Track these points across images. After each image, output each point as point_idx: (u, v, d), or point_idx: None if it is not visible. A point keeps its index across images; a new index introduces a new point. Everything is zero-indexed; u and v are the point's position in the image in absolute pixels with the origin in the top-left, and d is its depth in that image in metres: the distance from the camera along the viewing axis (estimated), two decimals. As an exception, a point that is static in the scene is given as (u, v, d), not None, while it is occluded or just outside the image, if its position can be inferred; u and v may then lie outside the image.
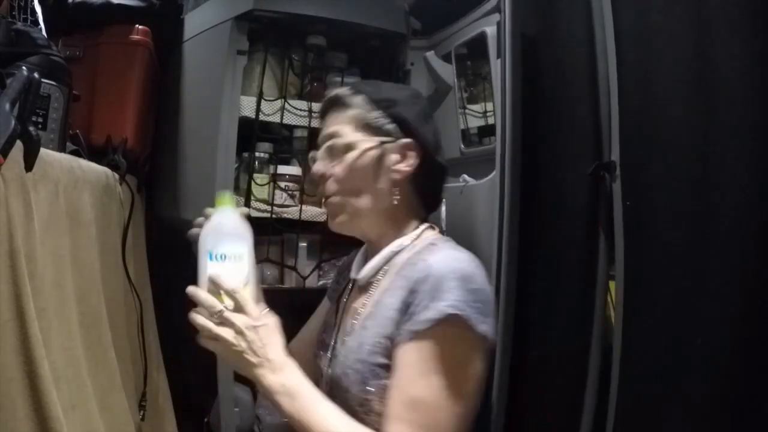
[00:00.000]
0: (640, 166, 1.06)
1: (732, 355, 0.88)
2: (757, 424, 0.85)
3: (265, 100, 1.53)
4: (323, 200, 1.00)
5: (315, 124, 1.59)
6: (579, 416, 1.13)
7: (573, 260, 1.20)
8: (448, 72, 1.54)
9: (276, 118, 1.54)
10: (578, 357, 1.16)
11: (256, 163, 1.55)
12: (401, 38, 1.65)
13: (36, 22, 1.22)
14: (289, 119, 1.56)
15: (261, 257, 1.60)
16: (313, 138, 1.64)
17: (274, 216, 1.53)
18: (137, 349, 1.27)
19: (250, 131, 1.52)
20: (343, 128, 0.95)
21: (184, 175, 1.55)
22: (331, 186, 0.96)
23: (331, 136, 0.96)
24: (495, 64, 1.30)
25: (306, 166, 1.62)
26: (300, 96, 1.62)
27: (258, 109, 1.51)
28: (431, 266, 0.82)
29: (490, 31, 1.32)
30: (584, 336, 1.15)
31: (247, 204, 1.51)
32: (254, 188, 1.52)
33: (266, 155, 1.57)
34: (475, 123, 1.47)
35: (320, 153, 0.98)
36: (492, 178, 1.29)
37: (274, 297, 1.60)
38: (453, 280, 0.79)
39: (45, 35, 1.04)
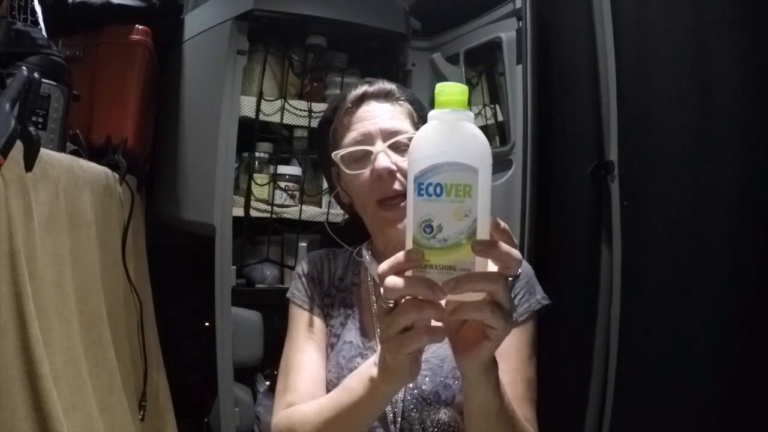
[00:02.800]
0: (638, 166, 1.06)
1: (729, 353, 0.89)
2: (753, 422, 0.85)
3: (265, 100, 1.53)
4: (382, 203, 0.84)
5: (315, 124, 1.59)
6: (583, 412, 1.14)
7: (577, 259, 1.20)
8: (453, 74, 1.55)
9: (276, 118, 1.55)
10: (582, 354, 1.16)
11: (256, 163, 1.55)
12: (402, 38, 1.65)
13: (36, 22, 1.22)
14: (289, 119, 1.56)
15: (261, 257, 1.61)
16: (313, 138, 1.66)
17: (274, 216, 1.53)
18: (137, 349, 1.27)
19: (250, 131, 1.52)
20: (405, 123, 0.87)
21: (184, 175, 1.55)
22: (403, 182, 0.82)
23: (397, 131, 0.85)
24: (514, 70, 1.32)
25: (306, 166, 1.63)
26: (300, 96, 1.62)
27: (258, 109, 1.52)
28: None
29: (506, 36, 1.34)
30: (588, 334, 1.16)
31: (247, 204, 1.51)
32: (254, 188, 1.52)
33: (266, 155, 1.57)
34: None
35: (382, 146, 0.83)
36: (508, 178, 1.32)
37: (274, 297, 1.61)
38: (534, 276, 0.90)
39: (45, 35, 1.04)
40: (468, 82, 1.52)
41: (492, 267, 0.53)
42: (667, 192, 0.99)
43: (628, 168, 1.08)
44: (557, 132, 1.30)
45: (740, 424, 0.87)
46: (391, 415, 0.81)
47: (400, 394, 0.82)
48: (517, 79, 1.31)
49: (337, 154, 0.87)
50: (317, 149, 1.01)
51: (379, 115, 0.87)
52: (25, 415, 0.63)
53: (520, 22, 1.31)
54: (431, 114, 0.55)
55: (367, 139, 0.85)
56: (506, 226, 0.53)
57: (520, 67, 1.30)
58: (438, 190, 0.51)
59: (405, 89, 0.93)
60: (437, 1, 1.64)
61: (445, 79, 1.55)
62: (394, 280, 0.53)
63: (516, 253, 0.52)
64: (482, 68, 1.52)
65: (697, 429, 0.92)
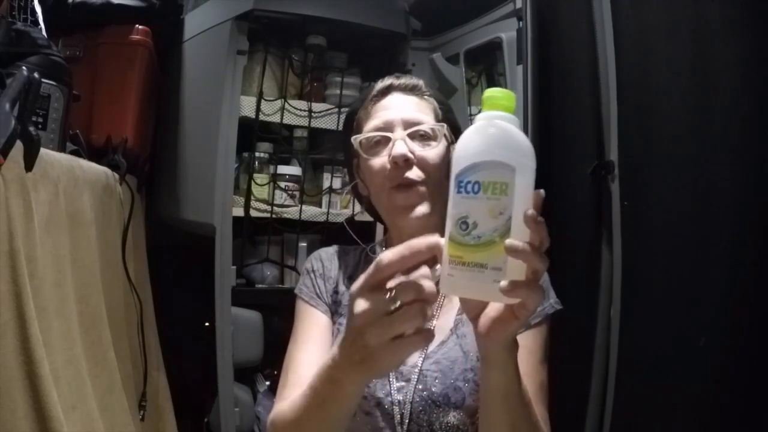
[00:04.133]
0: (638, 166, 1.06)
1: (729, 353, 0.88)
2: (753, 422, 0.85)
3: (265, 100, 1.53)
4: (397, 186, 0.84)
5: (315, 124, 1.59)
6: (583, 412, 1.14)
7: (577, 259, 1.20)
8: (453, 74, 1.55)
9: (276, 118, 1.55)
10: (583, 354, 1.16)
11: (256, 163, 1.55)
12: (402, 38, 1.65)
13: (36, 22, 1.22)
14: (289, 119, 1.56)
15: (261, 257, 1.61)
16: (313, 138, 1.66)
17: (274, 216, 1.53)
18: (137, 349, 1.27)
19: (250, 131, 1.52)
20: (428, 117, 0.88)
21: (184, 175, 1.55)
22: (419, 172, 0.83)
23: (419, 122, 0.85)
24: (514, 70, 1.33)
25: (306, 166, 1.63)
26: (300, 96, 1.62)
27: (258, 109, 1.52)
28: None
29: (506, 36, 1.35)
30: (588, 334, 1.15)
31: (247, 204, 1.51)
32: (254, 188, 1.52)
33: (266, 155, 1.57)
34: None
35: (402, 134, 0.84)
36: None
37: (274, 297, 1.62)
38: (548, 279, 0.88)
39: (45, 35, 1.04)
40: (468, 82, 1.52)
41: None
42: (667, 192, 0.99)
43: (628, 168, 1.08)
44: (557, 132, 1.30)
45: (741, 424, 0.87)
46: (399, 416, 0.80)
47: (409, 396, 0.81)
48: (517, 79, 1.32)
49: (356, 138, 0.88)
50: (342, 142, 1.00)
51: (404, 106, 0.88)
52: (25, 415, 0.63)
53: (521, 22, 1.31)
54: (477, 117, 0.56)
55: (388, 126, 0.86)
56: (542, 220, 0.51)
57: (520, 67, 1.31)
58: (476, 187, 0.52)
59: (431, 87, 0.94)
60: (437, 1, 1.64)
61: (445, 79, 1.55)
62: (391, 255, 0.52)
63: (545, 260, 0.51)
64: (482, 68, 1.52)
65: (698, 429, 0.91)
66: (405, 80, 0.91)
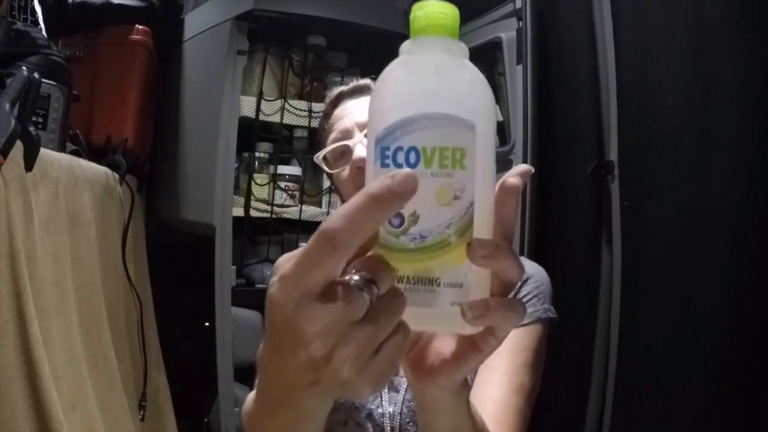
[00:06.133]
0: (638, 166, 1.06)
1: (729, 352, 0.88)
2: (753, 422, 0.85)
3: (265, 100, 1.53)
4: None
5: (315, 124, 1.59)
6: (583, 412, 1.14)
7: (577, 259, 1.20)
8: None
9: (276, 118, 1.55)
10: (583, 354, 1.16)
11: (256, 163, 1.55)
12: (402, 38, 1.65)
13: (36, 22, 1.22)
14: (289, 119, 1.57)
15: (261, 257, 1.61)
16: (313, 138, 1.66)
17: (274, 216, 1.54)
18: (137, 349, 1.27)
19: (250, 131, 1.52)
20: None
21: (184, 175, 1.55)
22: None
23: None
24: (514, 70, 1.33)
25: (306, 166, 1.63)
26: (300, 96, 1.62)
27: (258, 109, 1.52)
28: (527, 270, 0.84)
29: (506, 36, 1.35)
30: (588, 334, 1.15)
31: (247, 204, 1.51)
32: (254, 188, 1.52)
33: (266, 155, 1.57)
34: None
35: (359, 137, 0.80)
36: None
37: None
38: (549, 285, 0.85)
39: (45, 35, 1.04)
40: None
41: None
42: (667, 192, 0.99)
43: (628, 168, 1.08)
44: (557, 132, 1.30)
45: (740, 424, 0.87)
46: (389, 428, 0.79)
47: (398, 407, 0.79)
48: (517, 79, 1.32)
49: (318, 157, 0.85)
50: (313, 162, 1.00)
51: (355, 110, 0.85)
52: (25, 415, 0.63)
53: (520, 22, 1.31)
54: (403, 47, 0.36)
55: (346, 135, 0.83)
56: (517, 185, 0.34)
57: (520, 67, 1.31)
58: (412, 157, 0.32)
59: None
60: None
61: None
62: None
63: (521, 263, 0.35)
64: (482, 68, 1.52)
65: (697, 429, 0.91)
66: (352, 85, 0.89)
